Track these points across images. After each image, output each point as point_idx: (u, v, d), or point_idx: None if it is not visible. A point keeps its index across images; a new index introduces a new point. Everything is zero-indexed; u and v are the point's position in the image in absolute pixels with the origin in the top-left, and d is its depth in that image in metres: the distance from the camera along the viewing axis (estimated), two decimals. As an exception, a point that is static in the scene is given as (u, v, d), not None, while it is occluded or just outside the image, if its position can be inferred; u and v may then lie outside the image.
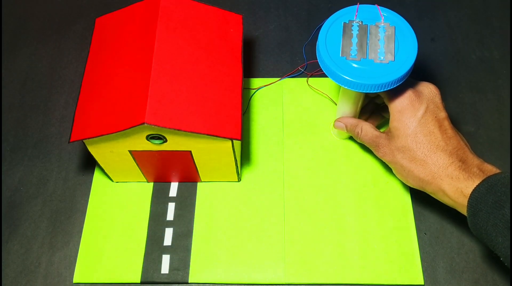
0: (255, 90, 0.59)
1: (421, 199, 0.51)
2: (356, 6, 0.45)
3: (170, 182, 0.54)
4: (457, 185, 0.41)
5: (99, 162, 0.48)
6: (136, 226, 0.51)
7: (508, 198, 0.37)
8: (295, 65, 0.61)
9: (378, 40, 0.43)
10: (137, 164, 0.49)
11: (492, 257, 0.49)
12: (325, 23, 0.44)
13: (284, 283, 0.48)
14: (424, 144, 0.43)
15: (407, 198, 0.52)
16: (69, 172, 0.55)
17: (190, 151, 0.46)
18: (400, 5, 0.66)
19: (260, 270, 0.49)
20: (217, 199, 0.52)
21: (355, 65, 0.42)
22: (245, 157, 0.55)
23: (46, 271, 0.50)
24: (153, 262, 0.49)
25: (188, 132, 0.41)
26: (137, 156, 0.47)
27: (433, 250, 0.50)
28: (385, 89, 0.41)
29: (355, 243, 0.50)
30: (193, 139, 0.44)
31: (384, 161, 0.47)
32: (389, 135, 0.45)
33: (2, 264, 0.50)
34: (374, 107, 0.53)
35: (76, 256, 0.50)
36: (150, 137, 0.44)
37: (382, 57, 0.42)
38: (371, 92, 0.42)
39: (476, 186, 0.39)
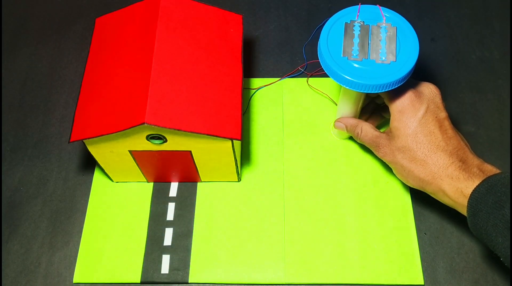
0: (255, 90, 0.59)
1: (421, 199, 0.51)
2: (358, 6, 0.45)
3: (170, 182, 0.54)
4: (457, 185, 0.41)
5: (99, 162, 0.48)
6: (136, 226, 0.51)
7: (508, 198, 0.37)
8: (295, 65, 0.61)
9: (380, 40, 0.43)
10: (137, 164, 0.49)
11: (492, 257, 0.49)
12: (326, 23, 0.44)
13: (284, 283, 0.48)
14: (425, 144, 0.43)
15: (407, 198, 0.52)
16: (69, 172, 0.55)
17: (190, 151, 0.46)
18: (400, 5, 0.66)
19: (260, 270, 0.49)
20: (217, 199, 0.52)
21: (356, 65, 0.42)
22: (245, 157, 0.55)
23: (46, 271, 0.50)
24: (153, 262, 0.49)
25: (188, 132, 0.41)
26: (137, 156, 0.47)
27: (433, 250, 0.50)
28: (386, 90, 0.41)
29: (355, 243, 0.50)
30: (193, 139, 0.44)
31: (384, 161, 0.47)
32: (390, 135, 0.45)
33: (2, 264, 0.50)
34: (374, 107, 0.53)
35: (76, 256, 0.50)
36: (150, 137, 0.44)
37: (383, 58, 0.42)
38: (372, 92, 0.42)
39: (476, 186, 0.39)
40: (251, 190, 0.53)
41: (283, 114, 0.57)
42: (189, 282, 0.48)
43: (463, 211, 0.41)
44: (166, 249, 0.50)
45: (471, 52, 0.62)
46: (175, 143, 0.44)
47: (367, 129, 0.48)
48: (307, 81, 0.59)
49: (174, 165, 0.49)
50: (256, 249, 0.50)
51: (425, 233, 0.50)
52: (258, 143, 0.56)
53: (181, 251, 0.50)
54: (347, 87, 0.42)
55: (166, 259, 0.49)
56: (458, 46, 0.63)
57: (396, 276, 0.48)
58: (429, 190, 0.43)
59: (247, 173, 0.54)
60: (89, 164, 0.55)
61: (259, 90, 0.59)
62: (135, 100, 0.42)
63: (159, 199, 0.53)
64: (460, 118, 0.57)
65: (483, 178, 0.40)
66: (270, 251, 0.49)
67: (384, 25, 0.44)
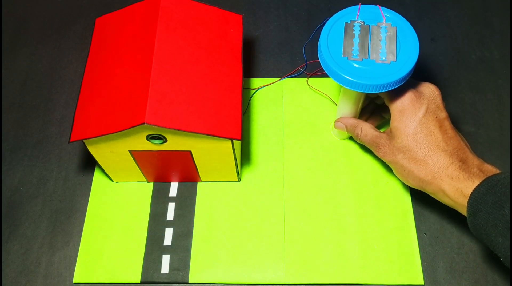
0: (255, 90, 0.59)
1: (421, 199, 0.51)
2: (358, 6, 0.45)
3: (170, 182, 0.54)
4: (457, 186, 0.41)
5: (99, 162, 0.48)
6: (136, 226, 0.51)
7: (508, 199, 0.37)
8: (295, 65, 0.61)
9: (380, 40, 0.43)
10: (137, 164, 0.49)
11: (492, 257, 0.49)
12: (326, 23, 0.44)
13: (284, 283, 0.48)
14: (425, 144, 0.43)
15: (407, 198, 0.52)
16: (69, 172, 0.55)
17: (190, 151, 0.46)
18: (400, 5, 0.66)
19: (260, 270, 0.49)
20: (217, 199, 0.52)
21: (356, 65, 0.42)
22: (245, 157, 0.55)
23: (46, 271, 0.50)
24: (153, 262, 0.49)
25: (188, 132, 0.41)
26: (137, 156, 0.47)
27: (433, 250, 0.50)
28: (386, 90, 0.41)
29: (355, 243, 0.50)
30: (193, 139, 0.44)
31: (384, 161, 0.47)
32: (390, 135, 0.45)
33: (2, 264, 0.50)
34: (374, 108, 0.53)
35: (76, 256, 0.50)
36: (150, 137, 0.44)
37: (383, 58, 0.42)
38: (372, 92, 0.42)
39: (476, 186, 0.39)
40: (251, 190, 0.53)
41: (283, 114, 0.57)
42: (189, 282, 0.48)
43: (463, 211, 0.41)
44: (166, 249, 0.50)
45: (471, 52, 0.62)
46: (175, 143, 0.44)
47: (367, 129, 0.48)
48: (307, 81, 0.59)
49: (174, 165, 0.49)
50: (256, 249, 0.50)
51: (425, 233, 0.50)
52: (258, 143, 0.56)
53: (181, 251, 0.50)
54: (347, 87, 0.42)
55: (166, 259, 0.49)
56: (458, 46, 0.63)
57: (396, 276, 0.48)
58: (429, 190, 0.43)
59: (247, 173, 0.54)
60: (89, 164, 0.55)
61: (259, 90, 0.59)
62: (135, 100, 0.42)
63: (159, 199, 0.53)
64: (460, 118, 0.57)
65: (483, 178, 0.39)
66: (270, 251, 0.49)
67: (384, 25, 0.44)
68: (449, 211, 0.43)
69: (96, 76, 0.46)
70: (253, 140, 0.56)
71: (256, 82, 0.60)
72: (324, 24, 0.45)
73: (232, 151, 0.46)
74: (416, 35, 0.43)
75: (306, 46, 0.63)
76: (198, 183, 0.53)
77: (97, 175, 0.54)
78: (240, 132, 0.44)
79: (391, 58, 0.42)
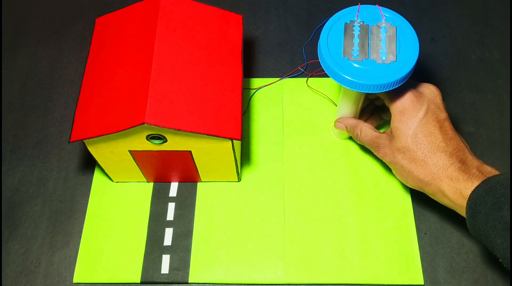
0: (255, 90, 0.59)
1: (421, 199, 0.51)
2: (357, 6, 0.45)
3: (170, 182, 0.54)
4: (456, 186, 0.41)
5: (99, 162, 0.48)
6: (136, 226, 0.51)
7: (507, 200, 0.37)
8: (295, 65, 0.61)
9: (380, 40, 0.43)
10: (137, 164, 0.49)
11: (492, 258, 0.49)
12: (326, 23, 0.44)
13: (284, 283, 0.48)
14: (425, 145, 0.43)
15: (407, 198, 0.52)
16: (69, 172, 0.55)
17: (190, 151, 0.46)
18: (400, 5, 0.66)
19: (260, 270, 0.49)
20: (217, 199, 0.52)
21: (356, 65, 0.42)
22: (245, 157, 0.55)
23: (46, 271, 0.50)
24: (153, 262, 0.49)
25: (188, 132, 0.41)
26: (137, 156, 0.47)
27: (433, 250, 0.50)
28: (387, 89, 0.41)
29: (355, 243, 0.50)
30: (193, 139, 0.44)
31: (384, 161, 0.47)
32: (390, 135, 0.45)
33: (2, 264, 0.50)
34: (373, 109, 0.53)
35: (76, 256, 0.50)
36: (150, 137, 0.44)
37: (384, 58, 0.42)
38: (373, 92, 0.42)
39: (475, 187, 0.39)
40: (251, 190, 0.53)
41: (283, 114, 0.57)
42: (189, 282, 0.48)
43: (462, 212, 0.41)
44: (166, 249, 0.50)
45: (471, 52, 0.62)
46: (175, 143, 0.44)
47: (366, 130, 0.48)
48: (307, 82, 0.59)
49: (174, 165, 0.49)
50: (256, 249, 0.50)
51: (425, 233, 0.50)
52: (258, 143, 0.56)
53: (181, 251, 0.50)
54: (348, 87, 0.42)
55: (166, 259, 0.49)
56: (458, 46, 0.63)
57: (396, 276, 0.48)
58: (428, 191, 0.43)
59: (247, 173, 0.54)
60: (89, 164, 0.55)
61: (259, 90, 0.59)
62: (135, 100, 0.42)
63: (159, 199, 0.53)
64: (460, 118, 0.57)
65: (482, 180, 0.39)
66: (270, 251, 0.49)
67: (383, 25, 0.44)
68: (449, 211, 0.43)
69: (96, 76, 0.46)
70: (253, 140, 0.56)
71: (256, 82, 0.60)
72: (324, 24, 0.45)
73: (232, 151, 0.46)
74: (415, 34, 0.43)
75: (306, 46, 0.63)
76: (198, 183, 0.53)
77: (97, 175, 0.54)
78: (240, 132, 0.44)
79: (391, 58, 0.42)
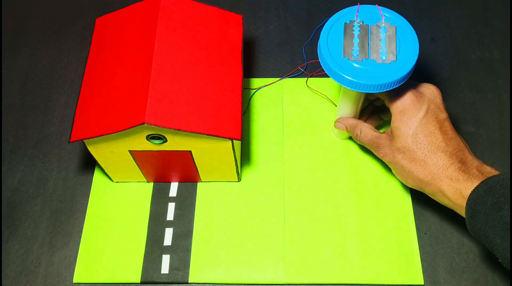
0: (255, 90, 0.59)
1: (421, 199, 0.51)
2: (357, 6, 0.45)
3: (170, 182, 0.54)
4: (456, 186, 0.41)
5: (99, 162, 0.48)
6: (136, 226, 0.51)
7: (506, 200, 0.37)
8: (295, 65, 0.61)
9: (380, 40, 0.43)
10: (137, 164, 0.49)
11: (492, 258, 0.49)
12: (326, 23, 0.44)
13: (284, 283, 0.48)
14: (425, 145, 0.43)
15: (407, 198, 0.52)
16: (69, 172, 0.55)
17: (190, 151, 0.46)
18: (400, 5, 0.66)
19: (260, 270, 0.49)
20: (217, 199, 0.52)
21: (356, 65, 0.42)
22: (245, 157, 0.55)
23: (46, 271, 0.50)
24: (153, 262, 0.49)
25: (188, 132, 0.41)
26: (137, 156, 0.47)
27: (433, 250, 0.50)
28: (387, 89, 0.41)
29: (355, 243, 0.50)
30: (193, 139, 0.44)
31: (384, 161, 0.47)
32: (390, 135, 0.45)
33: (2, 264, 0.50)
34: (373, 109, 0.53)
35: (76, 256, 0.50)
36: (150, 137, 0.44)
37: (384, 57, 0.42)
38: (373, 92, 0.42)
39: (475, 187, 0.39)
40: (251, 190, 0.53)
41: (283, 114, 0.57)
42: (189, 282, 0.48)
43: (462, 212, 0.41)
44: (166, 249, 0.50)
45: (471, 52, 0.62)
46: (175, 143, 0.44)
47: (366, 130, 0.48)
48: (307, 82, 0.59)
49: (174, 165, 0.49)
50: (256, 249, 0.50)
51: (425, 233, 0.50)
52: (258, 143, 0.56)
53: (181, 251, 0.50)
54: (348, 87, 0.42)
55: (166, 259, 0.49)
56: (458, 46, 0.63)
57: (396, 276, 0.48)
58: (428, 190, 0.43)
59: (247, 173, 0.54)
60: (89, 164, 0.55)
61: (259, 90, 0.59)
62: (135, 100, 0.42)
63: (159, 199, 0.53)
64: (460, 118, 0.57)
65: (482, 180, 0.39)
66: (270, 251, 0.49)
67: (383, 24, 0.44)
68: (449, 211, 0.43)
69: (96, 76, 0.46)
70: (253, 140, 0.56)
71: (256, 82, 0.60)
72: (324, 24, 0.45)
73: (232, 151, 0.46)
74: (415, 34, 0.43)
75: (306, 46, 0.63)
76: (198, 183, 0.53)
77: (97, 175, 0.54)
78: (240, 132, 0.44)
79: (391, 57, 0.42)
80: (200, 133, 0.42)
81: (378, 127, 0.55)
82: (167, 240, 0.50)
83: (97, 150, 0.46)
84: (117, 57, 0.46)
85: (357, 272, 0.48)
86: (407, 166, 0.44)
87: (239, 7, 0.67)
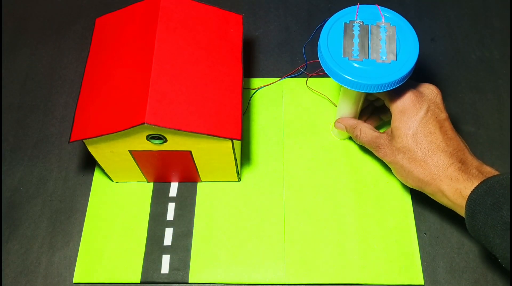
0: (255, 90, 0.59)
1: (421, 199, 0.51)
2: (357, 6, 0.45)
3: (170, 182, 0.54)
4: (456, 186, 0.41)
5: (99, 162, 0.48)
6: (136, 226, 0.51)
7: (506, 200, 0.37)
8: (295, 65, 0.61)
9: (380, 40, 0.43)
10: (137, 164, 0.49)
11: (491, 258, 0.49)
12: (326, 24, 0.44)
13: (284, 283, 0.48)
14: (425, 145, 0.43)
15: (407, 198, 0.52)
16: (69, 172, 0.55)
17: (190, 151, 0.46)
18: (400, 5, 0.66)
19: (260, 270, 0.49)
20: (217, 199, 0.52)
21: (356, 65, 0.42)
22: (245, 157, 0.55)
23: (46, 271, 0.50)
24: (153, 262, 0.49)
25: (188, 132, 0.41)
26: (137, 156, 0.47)
27: (433, 250, 0.50)
28: (387, 89, 0.41)
29: (355, 243, 0.50)
30: (193, 139, 0.44)
31: (384, 161, 0.47)
32: (390, 135, 0.45)
33: (2, 264, 0.50)
34: (372, 110, 0.53)
35: (76, 256, 0.50)
36: (150, 137, 0.44)
37: (384, 57, 0.42)
38: (373, 92, 0.42)
39: (475, 187, 0.39)
40: (251, 190, 0.53)
41: (283, 114, 0.57)
42: (189, 282, 0.48)
43: (462, 212, 0.41)
44: (166, 249, 0.50)
45: (471, 52, 0.62)
46: (175, 143, 0.44)
47: (366, 131, 0.48)
48: (306, 82, 0.59)
49: (174, 165, 0.49)
50: (256, 249, 0.50)
51: (425, 233, 0.50)
52: (258, 143, 0.56)
53: (181, 251, 0.50)
54: (348, 87, 0.42)
55: (166, 259, 0.49)
56: (458, 46, 0.63)
57: (396, 276, 0.48)
58: (428, 190, 0.43)
59: (247, 173, 0.54)
60: (89, 164, 0.55)
61: (259, 90, 0.59)
62: (135, 100, 0.42)
63: (159, 199, 0.53)
64: (460, 118, 0.57)
65: (482, 180, 0.39)
66: (270, 251, 0.49)
67: (383, 24, 0.44)
68: (449, 211, 0.43)
69: (96, 76, 0.46)
70: (253, 140, 0.56)
71: (256, 82, 0.60)
72: (324, 24, 0.45)
73: (232, 151, 0.46)
74: (415, 33, 0.43)
75: (306, 46, 0.63)
76: (198, 183, 0.53)
77: (97, 175, 0.54)
78: (240, 132, 0.44)
79: (392, 57, 0.42)
80: (200, 133, 0.42)
81: (377, 128, 0.55)
82: (167, 240, 0.50)
83: (97, 150, 0.46)
84: (117, 57, 0.46)
85: (357, 272, 0.48)
86: (407, 166, 0.44)
87: (239, 7, 0.67)
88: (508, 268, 0.37)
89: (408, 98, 0.43)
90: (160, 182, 0.54)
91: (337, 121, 0.52)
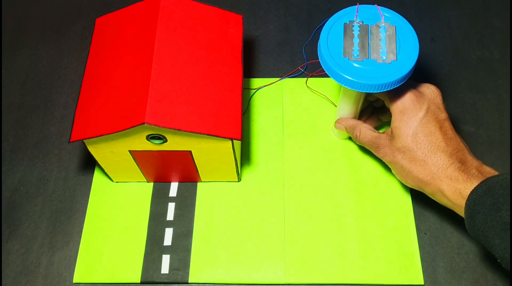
0: (255, 90, 0.59)
1: (421, 199, 0.51)
2: (356, 6, 0.45)
3: (170, 182, 0.54)
4: (456, 186, 0.41)
5: (99, 162, 0.48)
6: (136, 226, 0.51)
7: (506, 200, 0.37)
8: (295, 65, 0.61)
9: (380, 40, 0.43)
10: (137, 164, 0.49)
11: (491, 258, 0.49)
12: (326, 24, 0.44)
13: (284, 283, 0.48)
14: (425, 145, 0.43)
15: (407, 198, 0.52)
16: (69, 172, 0.55)
17: (190, 151, 0.46)
18: (400, 5, 0.66)
19: (260, 270, 0.49)
20: (217, 199, 0.52)
21: (357, 65, 0.42)
22: (245, 157, 0.55)
23: (46, 271, 0.50)
24: (153, 262, 0.49)
25: (188, 132, 0.41)
26: (137, 156, 0.47)
27: (433, 250, 0.50)
28: (388, 89, 0.41)
29: (355, 243, 0.50)
30: (193, 139, 0.44)
31: (384, 161, 0.47)
32: (390, 135, 0.45)
33: (2, 264, 0.50)
34: (372, 110, 0.53)
35: (76, 256, 0.50)
36: (150, 137, 0.44)
37: (384, 57, 0.42)
38: (373, 92, 0.42)
39: (474, 187, 0.39)
40: (251, 190, 0.53)
41: (283, 114, 0.57)
42: (189, 282, 0.48)
43: (461, 212, 0.41)
44: (166, 249, 0.50)
45: (471, 52, 0.62)
46: (175, 143, 0.44)
47: (366, 131, 0.48)
48: (306, 82, 0.59)
49: (174, 165, 0.49)
50: (256, 249, 0.50)
51: (425, 233, 0.50)
52: (258, 143, 0.56)
53: (181, 251, 0.50)
54: (349, 87, 0.42)
55: (166, 259, 0.49)
56: (458, 46, 0.63)
57: (396, 276, 0.48)
58: (427, 190, 0.43)
59: (247, 173, 0.54)
60: (89, 164, 0.55)
61: (259, 90, 0.59)
62: (135, 100, 0.42)
63: (159, 199, 0.53)
64: (460, 118, 0.57)
65: (482, 180, 0.39)
66: (270, 251, 0.49)
67: (383, 24, 0.44)
68: (449, 211, 0.43)
69: (96, 76, 0.46)
70: (253, 140, 0.56)
71: (256, 82, 0.60)
72: (324, 24, 0.45)
73: (232, 151, 0.46)
74: (415, 33, 0.43)
75: (306, 46, 0.63)
76: (198, 183, 0.53)
77: (97, 175, 0.54)
78: (240, 132, 0.44)
79: (392, 57, 0.42)
80: (200, 133, 0.42)
81: (377, 128, 0.54)
82: (167, 240, 0.50)
83: (97, 150, 0.46)
84: (117, 57, 0.46)
85: (357, 272, 0.48)
86: (407, 166, 0.44)
87: (239, 7, 0.67)
88: (508, 268, 0.37)
89: (408, 98, 0.43)
90: (160, 182, 0.54)
91: (337, 122, 0.52)
